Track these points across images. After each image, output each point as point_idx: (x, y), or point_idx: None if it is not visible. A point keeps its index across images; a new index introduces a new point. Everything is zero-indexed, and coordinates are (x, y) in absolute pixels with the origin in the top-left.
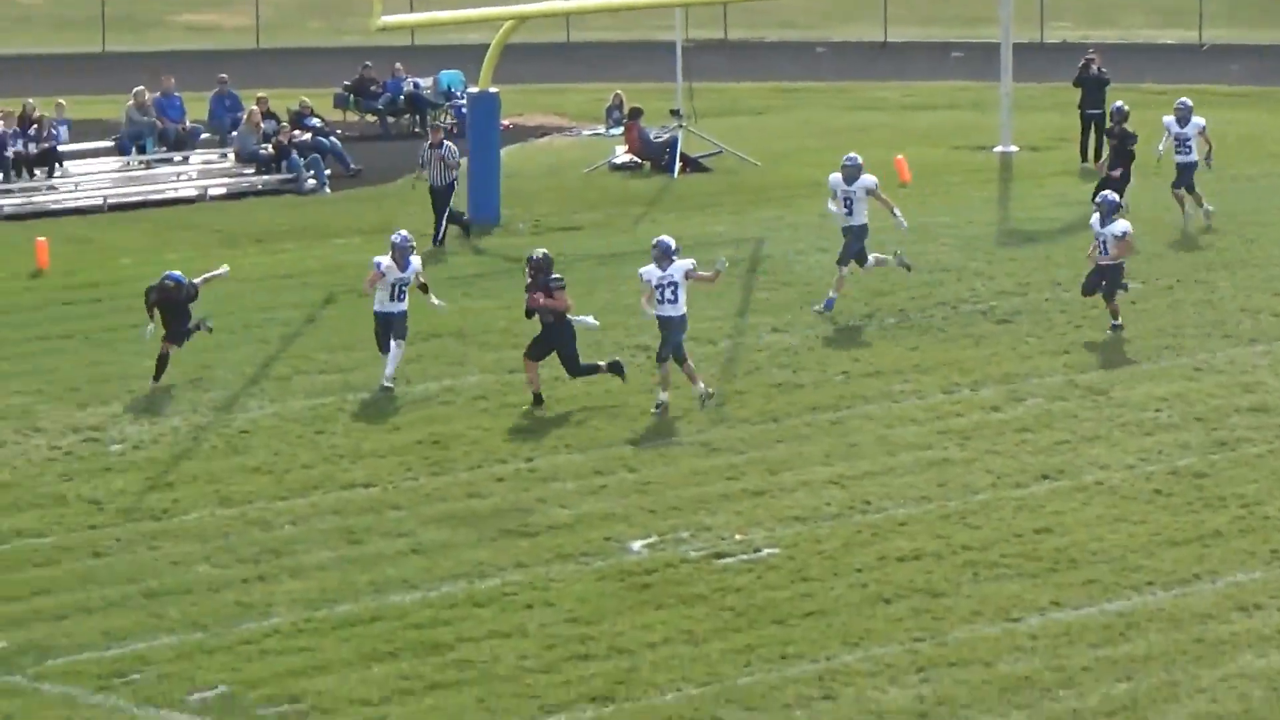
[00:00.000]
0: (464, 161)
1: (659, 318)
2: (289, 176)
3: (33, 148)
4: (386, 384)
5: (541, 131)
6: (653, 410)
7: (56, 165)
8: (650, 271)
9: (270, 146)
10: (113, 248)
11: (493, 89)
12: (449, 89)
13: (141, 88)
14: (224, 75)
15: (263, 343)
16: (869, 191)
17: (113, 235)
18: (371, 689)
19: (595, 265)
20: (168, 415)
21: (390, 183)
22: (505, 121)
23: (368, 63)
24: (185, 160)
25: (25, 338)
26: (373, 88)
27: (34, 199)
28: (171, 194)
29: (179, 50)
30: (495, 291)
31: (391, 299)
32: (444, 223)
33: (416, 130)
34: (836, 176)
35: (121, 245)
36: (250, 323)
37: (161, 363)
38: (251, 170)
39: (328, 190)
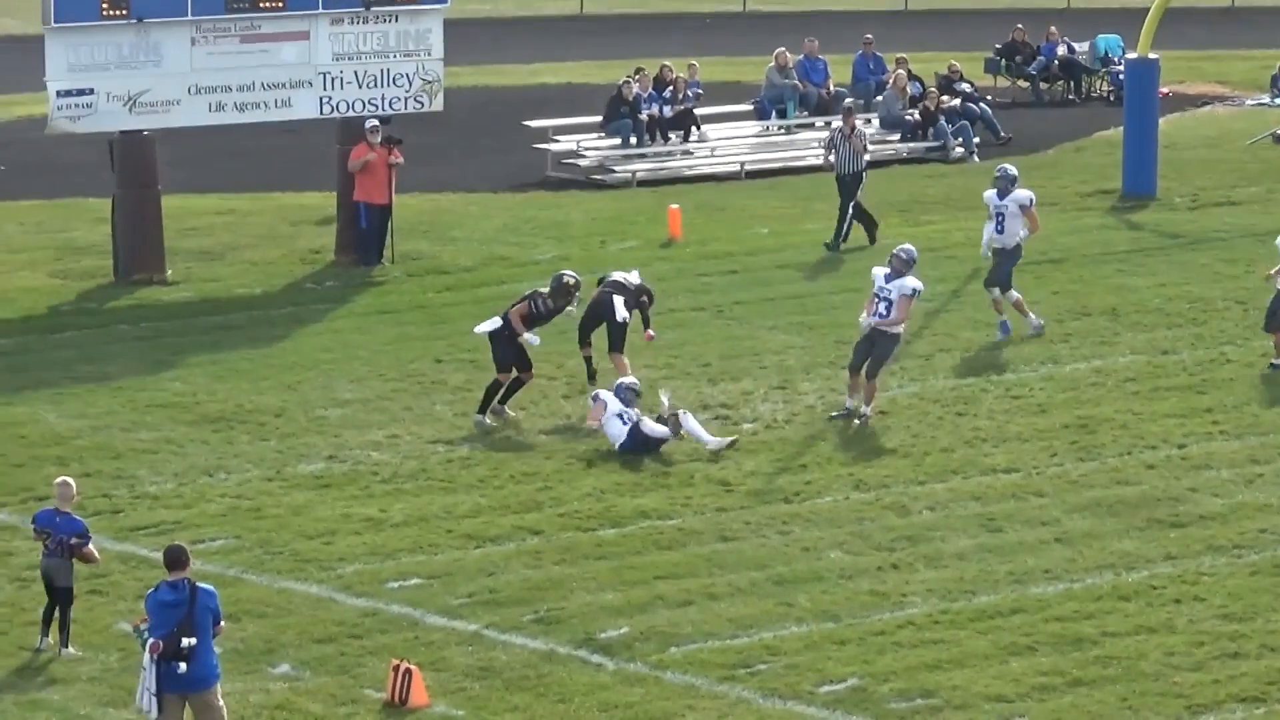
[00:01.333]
0: (1106, 135)
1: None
2: (935, 144)
3: (668, 110)
4: None
5: (1202, 100)
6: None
7: (693, 129)
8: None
9: (916, 112)
10: (749, 216)
11: (1152, 55)
12: (1106, 54)
13: (783, 49)
14: (869, 37)
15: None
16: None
17: (749, 203)
18: (1008, 684)
19: (1254, 243)
20: (803, 394)
21: (1041, 152)
22: (1164, 89)
23: (1019, 25)
24: (827, 126)
25: (655, 312)
26: (1025, 52)
27: (668, 164)
28: (812, 161)
29: (822, 11)
30: (1151, 268)
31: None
32: (848, 221)
33: (1071, 98)
34: (990, 193)
35: (758, 214)
36: None
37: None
38: (896, 137)
39: (976, 159)
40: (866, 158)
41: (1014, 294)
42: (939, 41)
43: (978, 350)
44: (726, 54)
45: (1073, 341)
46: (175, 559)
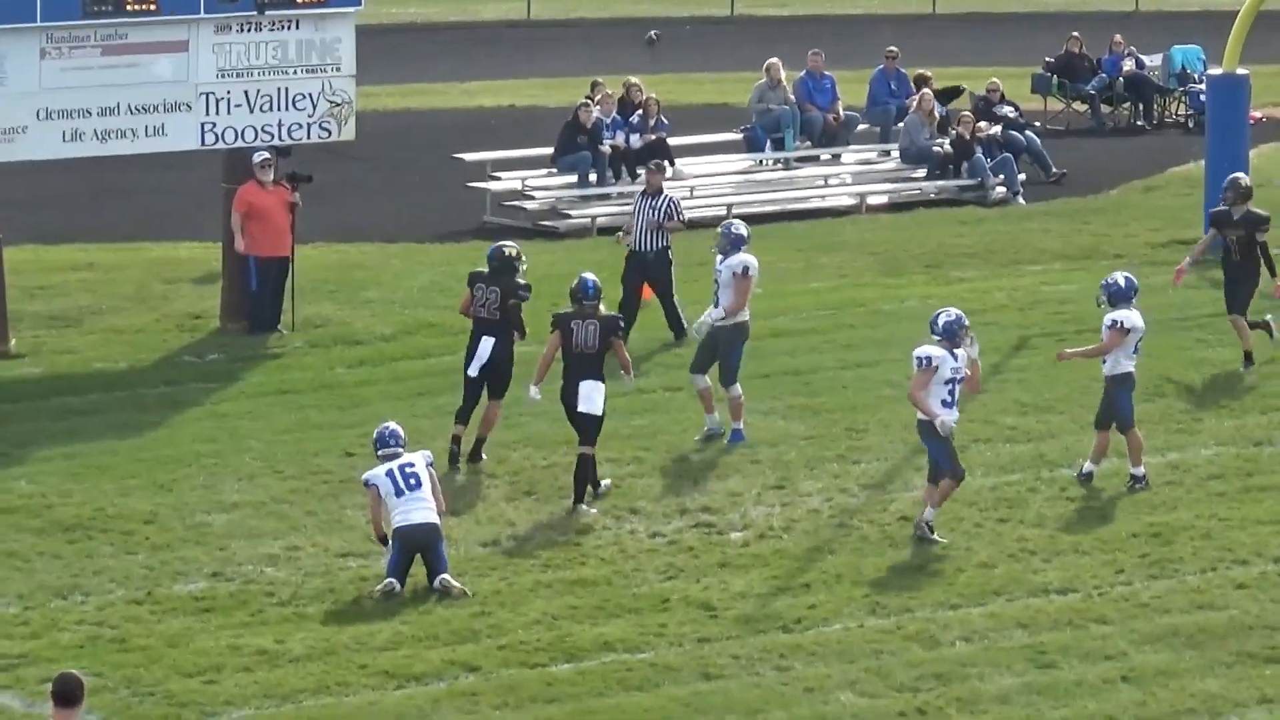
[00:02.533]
0: (1184, 170)
1: None
2: (971, 182)
3: (636, 140)
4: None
5: None
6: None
7: (666, 163)
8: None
9: (947, 143)
10: None
11: (1242, 70)
12: (1183, 69)
13: (775, 60)
14: (893, 49)
15: None
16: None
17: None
18: None
19: None
20: (806, 495)
21: (1103, 192)
22: (1257, 113)
23: (1075, 34)
24: (836, 159)
25: (623, 393)
26: (1082, 67)
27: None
28: (817, 203)
29: (829, 15)
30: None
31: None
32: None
33: (1140, 124)
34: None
35: None
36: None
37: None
38: (922, 173)
39: (1022, 201)
40: (675, 225)
41: (703, 380)
42: (974, 53)
43: (1024, 439)
44: (712, 69)
45: (1143, 429)
46: (68, 693)
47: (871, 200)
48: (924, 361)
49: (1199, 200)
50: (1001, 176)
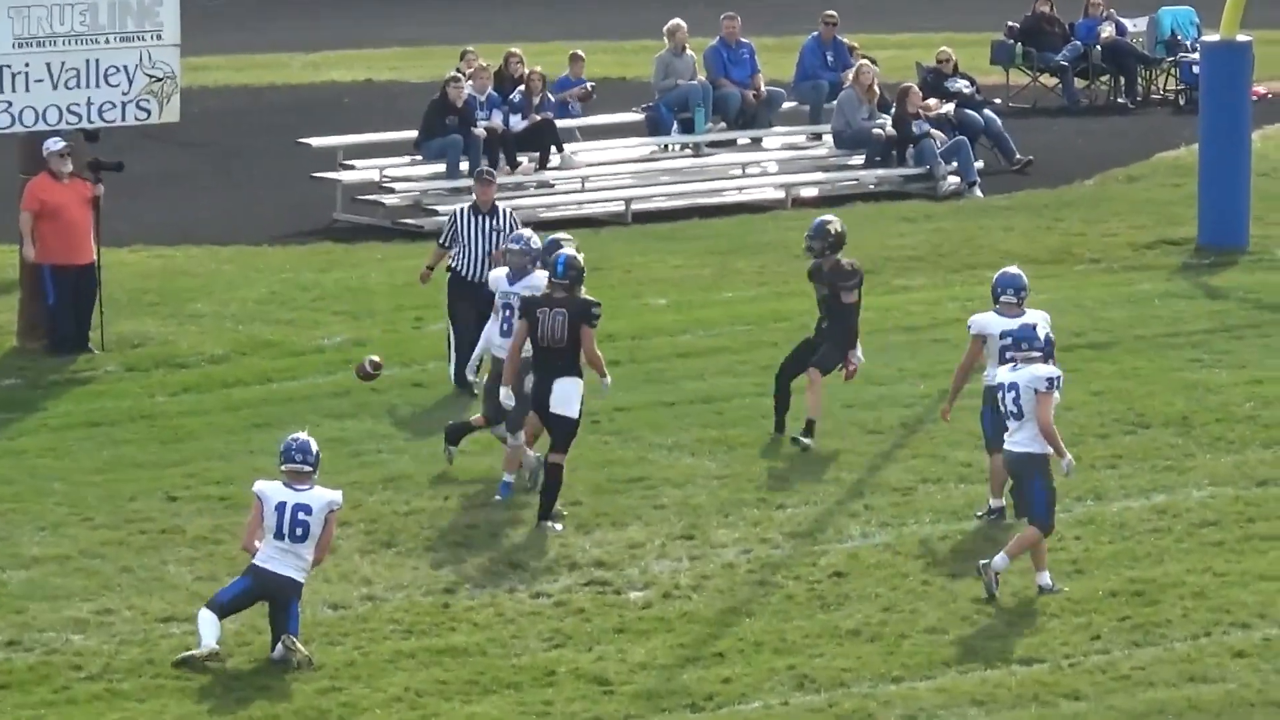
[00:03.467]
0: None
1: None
2: (918, 171)
3: (517, 122)
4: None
5: None
6: None
7: (553, 149)
8: None
9: (890, 124)
10: (637, 280)
11: (1243, 36)
12: (1173, 34)
13: (680, 24)
14: (831, 13)
15: (873, 433)
16: None
17: (638, 260)
18: None
19: None
20: (720, 546)
21: (1077, 182)
22: (1260, 88)
23: None
24: (757, 144)
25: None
26: (1052, 32)
27: (518, 201)
28: (734, 196)
29: None
30: (1240, 356)
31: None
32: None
33: (1121, 101)
34: (497, 274)
35: (652, 276)
36: (855, 400)
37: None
38: (860, 160)
39: (979, 193)
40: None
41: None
42: (924, 17)
43: (981, 479)
44: (608, 36)
45: (1124, 467)
46: None
47: (799, 193)
48: (1053, 383)
49: (1191, 192)
50: (955, 164)
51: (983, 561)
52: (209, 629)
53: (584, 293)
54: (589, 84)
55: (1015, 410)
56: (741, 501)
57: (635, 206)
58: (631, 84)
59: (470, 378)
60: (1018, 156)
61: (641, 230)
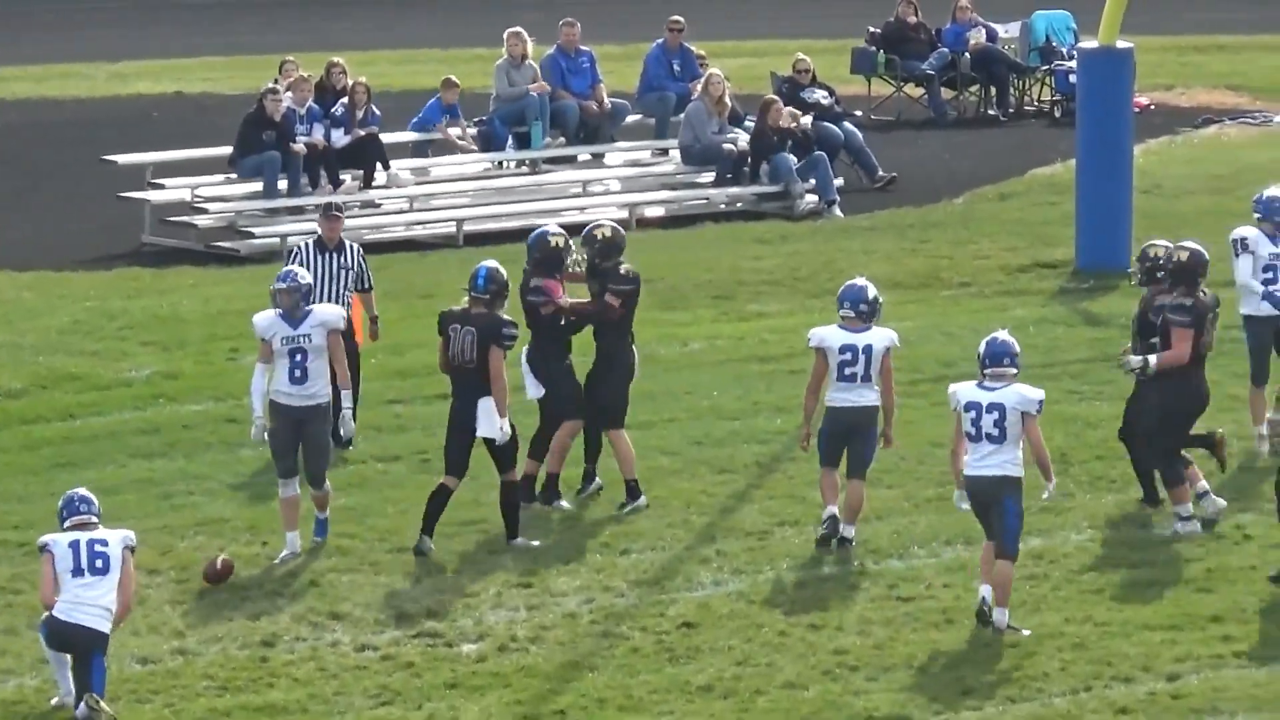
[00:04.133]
0: (1049, 172)
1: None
2: (773, 189)
3: (340, 137)
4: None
5: (1204, 118)
6: None
7: (378, 167)
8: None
9: (743, 138)
10: None
11: (1123, 43)
12: (1047, 41)
13: (519, 31)
14: (677, 18)
15: (725, 472)
16: None
17: (463, 284)
18: None
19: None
20: (560, 594)
21: (944, 200)
22: (1142, 98)
23: None
24: (598, 160)
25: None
26: (916, 39)
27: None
28: (574, 216)
29: None
30: (1122, 388)
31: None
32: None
33: (991, 112)
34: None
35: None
36: (705, 437)
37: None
38: (710, 177)
39: (838, 212)
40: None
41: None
42: (778, 23)
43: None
44: (437, 44)
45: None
46: None
47: (644, 213)
48: (1042, 405)
49: (1068, 211)
50: (812, 181)
51: (986, 611)
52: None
53: (504, 310)
54: (468, 128)
55: (995, 433)
56: (583, 546)
57: (468, 228)
58: (464, 95)
59: (261, 438)
60: (880, 173)
61: (474, 253)
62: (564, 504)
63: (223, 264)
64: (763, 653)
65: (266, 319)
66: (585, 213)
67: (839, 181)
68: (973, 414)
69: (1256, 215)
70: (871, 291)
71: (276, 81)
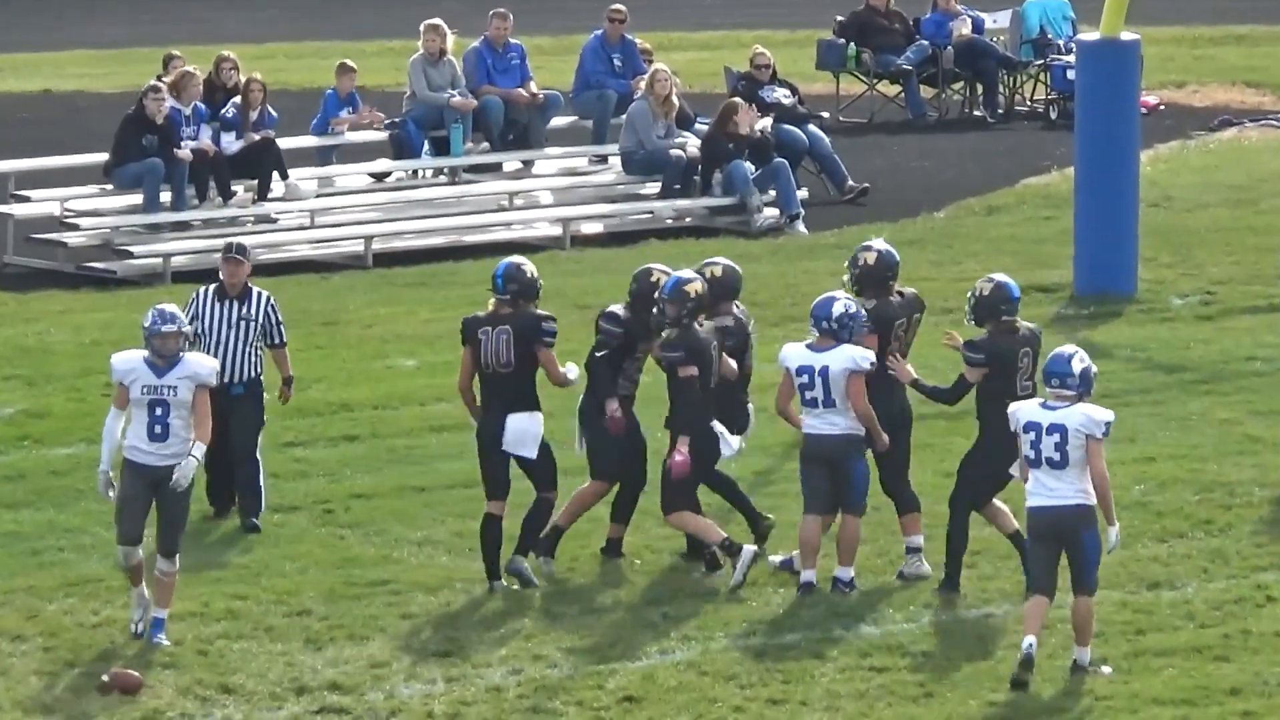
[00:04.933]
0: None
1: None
2: (727, 201)
3: (230, 141)
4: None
5: (1222, 120)
6: None
7: (275, 176)
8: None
9: (688, 143)
10: (379, 337)
11: (1127, 34)
12: (1042, 32)
13: (437, 21)
14: (619, 7)
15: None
16: None
17: (381, 312)
18: None
19: None
20: (483, 665)
21: (925, 214)
22: (1150, 97)
23: None
24: (528, 168)
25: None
26: (891, 30)
27: (233, 239)
28: (501, 234)
29: None
30: (1128, 426)
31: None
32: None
33: (977, 113)
34: None
35: (398, 332)
36: (649, 484)
37: None
38: (655, 188)
39: (802, 228)
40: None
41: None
42: (733, 13)
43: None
44: (341, 37)
45: (983, 566)
46: None
47: (581, 228)
48: (1110, 428)
49: (1066, 227)
50: (772, 193)
51: (1080, 663)
52: None
53: (536, 307)
54: (374, 111)
55: (1057, 458)
56: (509, 611)
57: (377, 247)
58: (373, 94)
59: (107, 494)
60: (850, 184)
61: (385, 276)
62: (551, 566)
63: (97, 287)
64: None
65: (128, 361)
66: (512, 229)
67: (803, 193)
68: (1032, 435)
69: None
70: (840, 306)
71: (160, 79)
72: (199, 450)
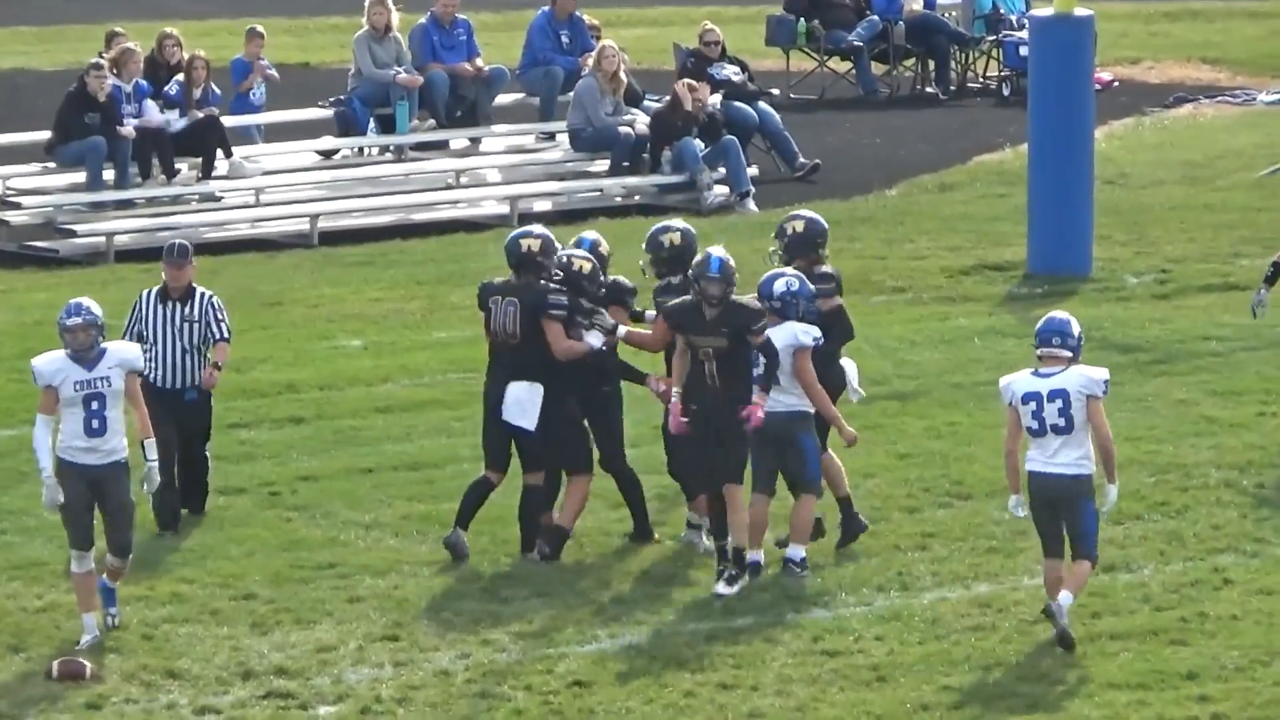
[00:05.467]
0: (997, 159)
1: None
2: (677, 179)
3: (175, 120)
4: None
5: (1177, 96)
6: None
7: (219, 154)
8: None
9: (637, 121)
10: (325, 318)
11: (1081, 10)
12: (994, 9)
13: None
14: None
15: (623, 506)
16: None
17: (328, 292)
18: None
19: (1261, 360)
20: (430, 649)
21: (874, 193)
22: (1104, 74)
23: None
24: (475, 146)
25: None
26: (843, 4)
27: (175, 219)
28: (446, 212)
29: None
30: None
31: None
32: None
33: (929, 89)
34: None
35: (344, 312)
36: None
37: None
38: (604, 165)
39: (752, 206)
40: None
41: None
42: None
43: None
44: (286, 12)
45: (936, 548)
46: None
47: (529, 206)
48: (1108, 386)
49: (1020, 203)
50: (722, 170)
51: (1051, 607)
52: None
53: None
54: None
55: (1062, 423)
56: (458, 593)
57: (323, 225)
58: (317, 72)
59: (55, 503)
60: (801, 161)
61: (330, 254)
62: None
63: (39, 267)
64: (666, 716)
65: (52, 362)
66: (459, 207)
67: (753, 170)
68: (1033, 405)
69: None
70: (783, 284)
71: (101, 55)
72: (152, 452)
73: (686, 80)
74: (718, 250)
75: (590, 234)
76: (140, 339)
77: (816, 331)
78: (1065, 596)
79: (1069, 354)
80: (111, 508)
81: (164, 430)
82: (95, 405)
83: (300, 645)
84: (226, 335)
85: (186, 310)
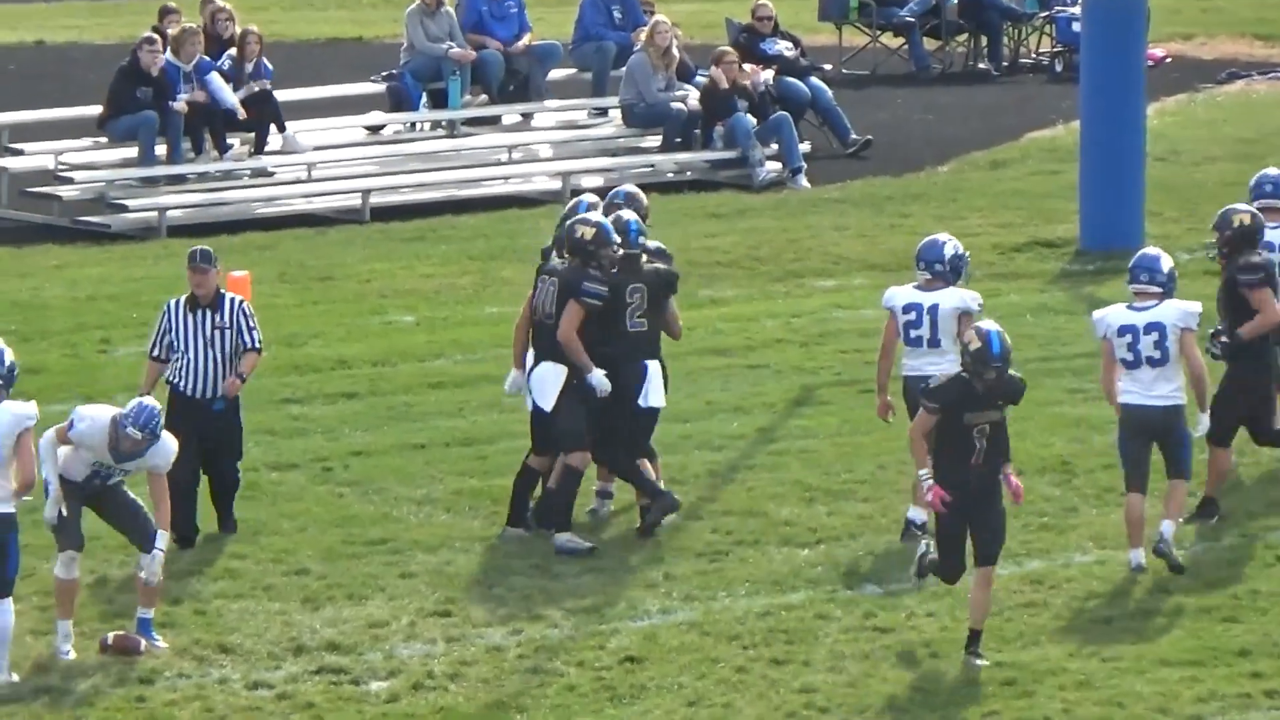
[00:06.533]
0: (1049, 135)
1: None
2: (729, 155)
3: (228, 97)
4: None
5: (1229, 72)
6: None
7: (272, 129)
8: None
9: (694, 96)
10: (378, 293)
11: None
12: None
13: None
14: None
15: (675, 483)
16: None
17: (379, 267)
18: None
19: None
20: (483, 625)
21: (928, 169)
22: (1157, 50)
23: None
24: (527, 121)
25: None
26: None
27: (228, 194)
28: (498, 187)
29: None
30: None
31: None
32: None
33: (982, 66)
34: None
35: (397, 288)
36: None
37: None
38: (656, 141)
39: (805, 182)
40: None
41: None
42: None
43: (805, 540)
44: None
45: None
46: None
47: (580, 182)
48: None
49: (1071, 181)
50: (774, 146)
51: (1158, 542)
52: None
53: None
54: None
55: (1158, 355)
56: (510, 569)
57: (375, 200)
58: (370, 46)
59: (61, 513)
60: (853, 137)
61: (383, 230)
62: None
63: (92, 242)
64: (718, 691)
65: (65, 449)
66: (511, 183)
67: (805, 146)
68: (1128, 338)
69: None
70: (951, 248)
71: (156, 29)
72: (162, 542)
73: (720, 65)
74: (991, 325)
75: (588, 197)
76: (170, 349)
77: (980, 298)
78: (1167, 526)
79: (1158, 289)
80: (114, 517)
81: (185, 442)
82: (101, 476)
83: (352, 620)
84: (258, 345)
85: (216, 317)
